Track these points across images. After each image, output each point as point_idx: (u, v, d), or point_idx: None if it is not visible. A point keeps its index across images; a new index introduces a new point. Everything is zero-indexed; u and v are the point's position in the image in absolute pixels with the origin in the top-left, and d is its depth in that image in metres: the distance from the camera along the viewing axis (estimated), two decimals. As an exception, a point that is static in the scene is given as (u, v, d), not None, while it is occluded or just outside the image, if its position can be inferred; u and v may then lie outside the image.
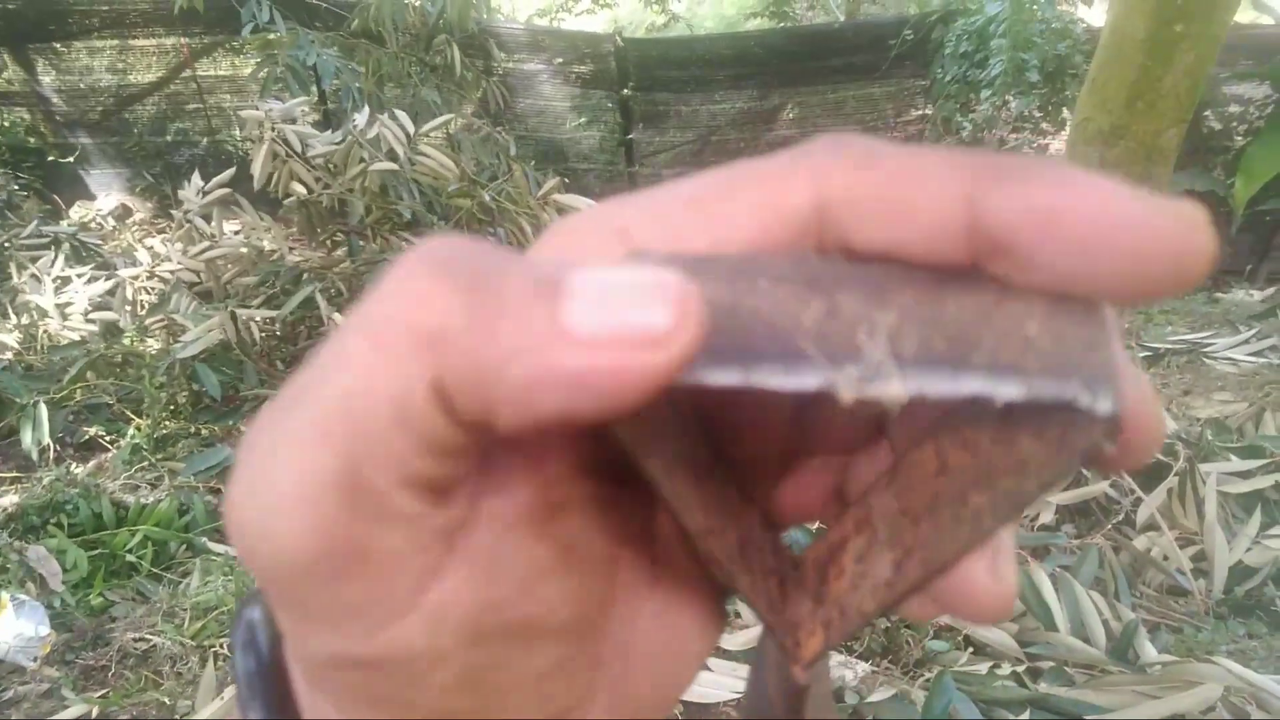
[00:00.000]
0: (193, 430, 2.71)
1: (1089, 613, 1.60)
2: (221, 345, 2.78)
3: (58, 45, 4.96)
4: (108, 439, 2.64)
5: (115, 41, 5.02)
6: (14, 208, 4.23)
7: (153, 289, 3.23)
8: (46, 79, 5.01)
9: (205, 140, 5.17)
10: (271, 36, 4.07)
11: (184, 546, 2.12)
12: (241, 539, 0.15)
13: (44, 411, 2.53)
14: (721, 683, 1.48)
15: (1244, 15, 6.04)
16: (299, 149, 2.95)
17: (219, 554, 2.07)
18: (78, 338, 3.05)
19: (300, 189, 3.01)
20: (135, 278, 3.20)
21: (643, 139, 6.08)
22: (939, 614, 0.19)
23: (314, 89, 3.99)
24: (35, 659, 1.75)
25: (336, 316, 2.73)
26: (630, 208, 0.17)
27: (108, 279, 3.25)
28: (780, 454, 0.23)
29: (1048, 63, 4.80)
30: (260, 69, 4.11)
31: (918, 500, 0.18)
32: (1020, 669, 1.52)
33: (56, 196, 4.68)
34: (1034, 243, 0.14)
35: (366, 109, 3.16)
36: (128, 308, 3.11)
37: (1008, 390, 0.14)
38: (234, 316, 2.75)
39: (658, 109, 6.05)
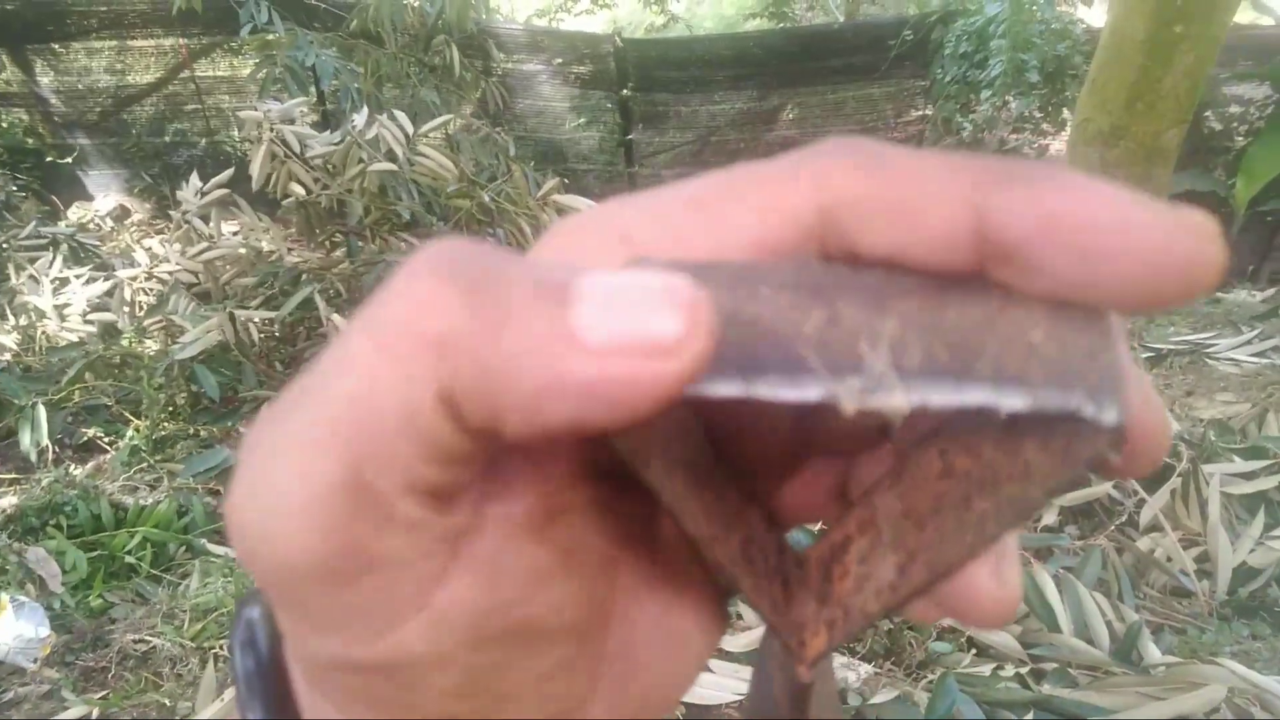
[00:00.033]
0: (191, 431, 2.70)
1: (1092, 614, 1.60)
2: (220, 346, 2.78)
3: (56, 46, 4.97)
4: (106, 440, 2.64)
5: (113, 42, 5.02)
6: (12, 208, 4.23)
7: (151, 290, 3.23)
8: (45, 80, 5.01)
9: (204, 141, 5.17)
10: (270, 37, 4.07)
11: (183, 548, 2.12)
12: (243, 542, 0.15)
13: (43, 413, 2.52)
14: (723, 684, 1.48)
15: (1244, 16, 6.04)
16: (298, 150, 2.95)
17: (218, 555, 2.07)
18: (76, 339, 3.04)
19: (299, 190, 3.01)
20: (133, 279, 3.20)
21: (642, 139, 6.09)
22: (942, 617, 0.19)
23: (312, 89, 3.99)
24: (35, 660, 1.75)
25: (335, 317, 2.73)
26: (631, 210, 0.17)
27: (106, 280, 3.24)
28: (783, 455, 0.23)
29: (1048, 63, 4.81)
30: (259, 70, 4.11)
31: (921, 503, 0.18)
32: (1023, 670, 1.52)
33: (55, 197, 4.68)
34: (1041, 249, 0.14)
35: (365, 109, 3.16)
36: (126, 309, 3.10)
37: (1012, 401, 0.14)
38: (232, 317, 2.75)
39: (657, 109, 6.05)
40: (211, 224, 3.13)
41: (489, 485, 0.17)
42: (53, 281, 3.23)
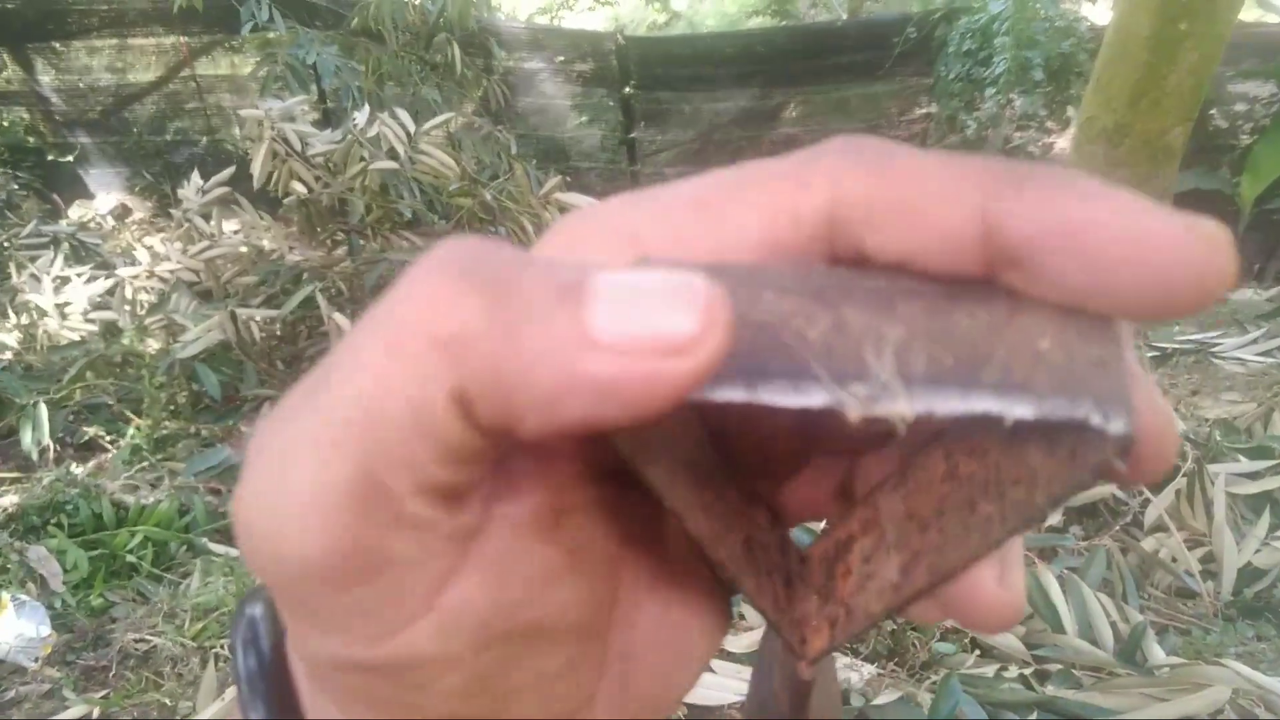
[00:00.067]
0: (193, 430, 2.71)
1: (1097, 615, 1.59)
2: (221, 345, 2.79)
3: (57, 44, 4.98)
4: (108, 439, 2.64)
5: (114, 41, 5.03)
6: (13, 207, 4.24)
7: (152, 289, 3.23)
8: (45, 78, 5.02)
9: (204, 139, 5.19)
10: (271, 35, 4.08)
11: (184, 547, 2.12)
12: (250, 541, 0.15)
13: (44, 411, 2.53)
14: (726, 685, 1.47)
15: (1249, 14, 6.03)
16: (299, 148, 2.95)
17: (219, 555, 2.07)
18: (77, 337, 3.05)
19: (300, 188, 3.01)
20: (135, 277, 3.20)
21: (644, 137, 6.09)
22: (945, 619, 0.19)
23: (314, 88, 4.00)
24: (36, 659, 1.75)
25: (337, 316, 2.72)
26: (636, 209, 0.17)
27: (107, 279, 3.24)
28: (785, 454, 0.23)
29: (1052, 61, 4.81)
30: (260, 68, 4.12)
31: (925, 505, 0.18)
32: (1027, 671, 1.51)
33: (56, 196, 4.69)
34: (1050, 255, 0.14)
35: (366, 108, 3.16)
36: (127, 307, 3.10)
37: (1018, 410, 0.14)
38: (234, 316, 2.76)
39: (659, 107, 6.05)
40: (213, 222, 3.13)
41: (497, 485, 0.16)
42: (54, 280, 3.22)
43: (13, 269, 3.28)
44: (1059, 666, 1.52)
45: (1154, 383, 0.16)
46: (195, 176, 3.16)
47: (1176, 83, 2.96)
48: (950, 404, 0.14)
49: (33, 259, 3.37)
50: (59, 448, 2.56)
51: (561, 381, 0.13)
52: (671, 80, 5.96)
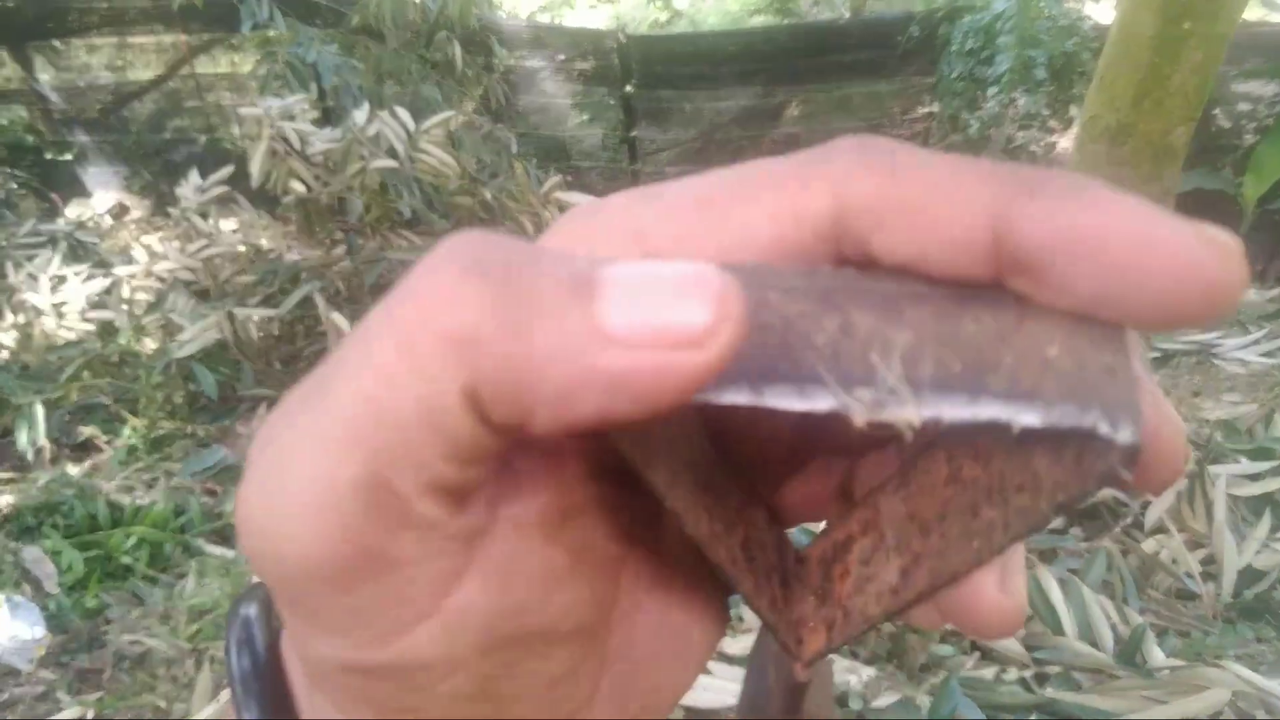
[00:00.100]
0: (189, 431, 2.71)
1: (1096, 617, 1.60)
2: (218, 344, 2.80)
3: (56, 42, 4.99)
4: (104, 439, 2.64)
5: (113, 39, 5.04)
6: (11, 206, 4.25)
7: (149, 288, 3.24)
8: (44, 76, 5.03)
9: (203, 138, 5.20)
10: (271, 33, 4.08)
11: (180, 548, 2.12)
12: (254, 542, 0.15)
13: (40, 411, 2.54)
14: (725, 688, 1.47)
15: (1253, 13, 6.02)
16: (298, 146, 2.95)
17: (215, 556, 2.07)
18: (74, 337, 3.05)
19: (299, 187, 3.00)
20: (132, 276, 3.21)
21: (646, 136, 6.09)
22: (945, 624, 0.19)
23: (313, 86, 4.00)
24: (30, 661, 1.75)
25: (335, 316, 2.72)
26: (640, 206, 0.17)
27: (104, 278, 3.25)
28: (786, 453, 0.23)
29: (1055, 60, 4.80)
30: (259, 66, 4.13)
31: (927, 508, 0.18)
32: (1027, 673, 1.51)
33: (54, 194, 4.69)
34: (1061, 263, 0.14)
35: (366, 106, 3.16)
36: (124, 307, 3.11)
37: (1026, 417, 0.14)
38: (231, 316, 2.76)
39: (661, 106, 6.05)
40: (211, 221, 3.14)
41: (502, 485, 0.16)
42: (51, 279, 3.23)
43: (10, 268, 3.27)
44: (1058, 668, 1.52)
45: (1157, 385, 0.16)
46: (194, 175, 3.16)
47: (1180, 82, 2.96)
48: (957, 410, 0.14)
49: (30, 258, 3.37)
50: (55, 448, 2.57)
51: (574, 376, 0.13)
52: (673, 78, 5.96)
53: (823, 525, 0.22)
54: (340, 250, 3.42)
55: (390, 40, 4.48)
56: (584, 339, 0.13)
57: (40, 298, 3.12)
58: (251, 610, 0.20)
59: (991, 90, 5.02)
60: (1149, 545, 1.87)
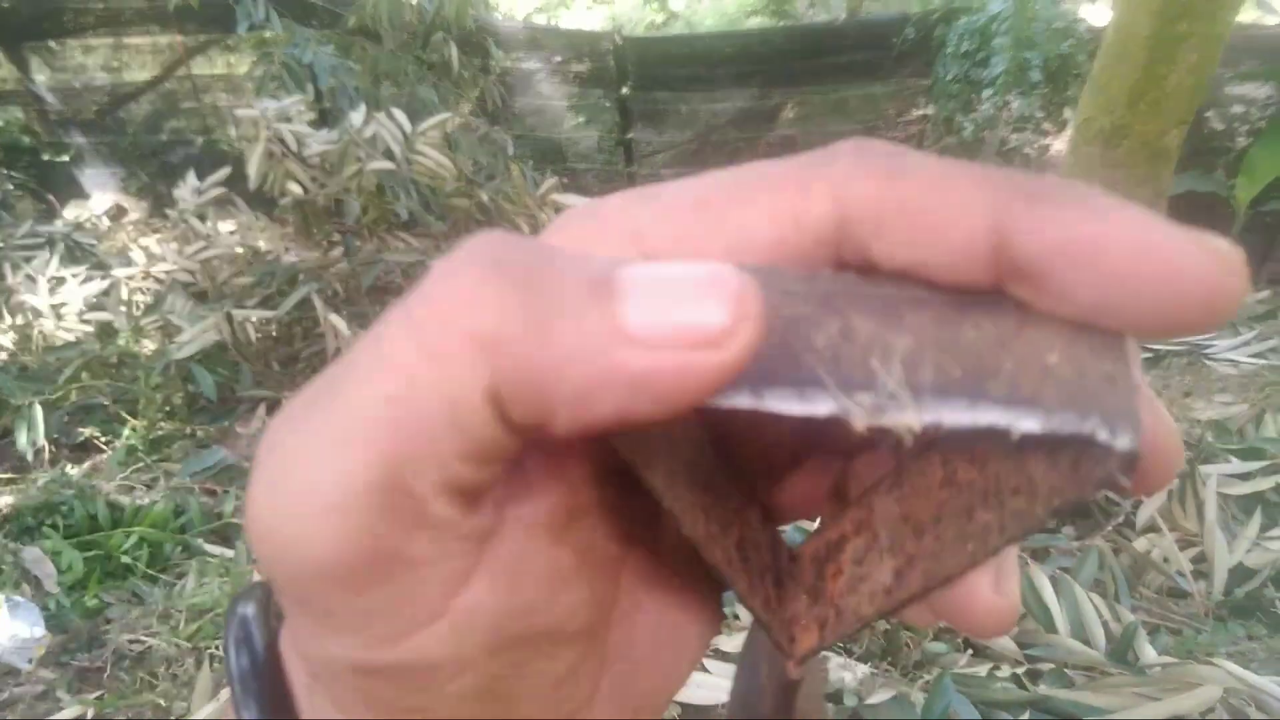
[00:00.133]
0: (188, 431, 2.71)
1: (1089, 614, 1.60)
2: (217, 346, 2.79)
3: (52, 43, 4.96)
4: (103, 440, 2.64)
5: (110, 39, 5.01)
6: (8, 207, 4.23)
7: (148, 289, 3.24)
8: (40, 77, 5.00)
9: (200, 139, 5.17)
10: (267, 35, 4.07)
11: (179, 548, 2.12)
12: (265, 543, 0.14)
13: (39, 412, 2.53)
14: (719, 685, 1.47)
15: (1247, 15, 6.04)
16: (295, 148, 2.94)
17: (215, 555, 2.07)
18: (73, 338, 3.04)
19: (296, 188, 3.00)
20: (130, 278, 3.20)
21: (642, 138, 6.08)
22: (938, 622, 0.19)
23: (310, 87, 3.99)
24: (30, 661, 1.75)
25: (333, 317, 2.72)
26: (638, 207, 0.17)
27: (103, 279, 3.24)
28: (782, 452, 0.23)
29: (1050, 62, 4.80)
30: (256, 67, 4.12)
31: (922, 510, 0.18)
32: (1020, 671, 1.51)
33: (51, 196, 4.67)
34: (1061, 271, 0.14)
35: (363, 107, 3.16)
36: (123, 308, 3.10)
37: (1026, 423, 0.14)
38: (229, 317, 2.76)
39: (657, 108, 6.04)
40: (208, 223, 3.13)
41: (510, 486, 0.16)
42: (49, 280, 3.22)
43: (8, 269, 3.27)
44: (1051, 666, 1.52)
45: (1149, 387, 0.16)
46: (191, 177, 3.15)
47: (1175, 84, 2.96)
48: (957, 415, 0.14)
49: (28, 259, 3.36)
50: (54, 448, 2.57)
51: (596, 376, 0.13)
52: (669, 80, 5.95)
53: (816, 523, 0.23)
54: (338, 252, 3.42)
55: (387, 41, 4.47)
56: (605, 339, 0.13)
57: (39, 299, 3.12)
58: (249, 610, 0.20)
59: (986, 92, 5.01)
60: (1141, 544, 1.87)
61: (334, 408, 0.14)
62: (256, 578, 1.93)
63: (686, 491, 0.18)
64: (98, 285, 3.22)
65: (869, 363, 0.14)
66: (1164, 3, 2.88)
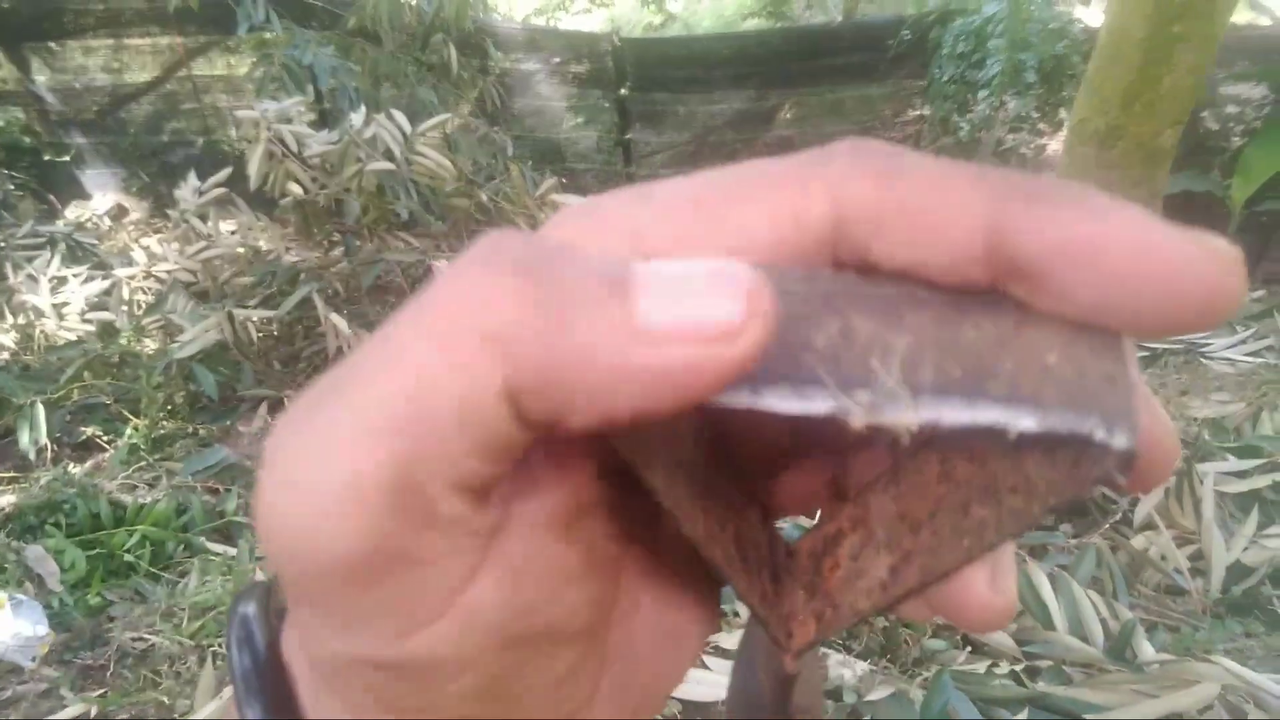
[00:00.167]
0: (190, 430, 2.71)
1: (1087, 612, 1.60)
2: (218, 345, 2.79)
3: (52, 44, 4.94)
4: (105, 439, 2.64)
5: (110, 40, 4.99)
6: (9, 207, 4.21)
7: (149, 289, 3.23)
8: (41, 78, 4.98)
9: (201, 140, 5.15)
10: (267, 36, 4.07)
11: (182, 546, 2.12)
12: (275, 540, 0.14)
13: (41, 411, 2.53)
14: (719, 681, 1.48)
15: (1241, 16, 6.05)
16: (295, 149, 2.95)
17: (217, 554, 2.07)
18: (74, 338, 3.04)
19: (296, 189, 3.01)
20: (131, 278, 3.20)
21: (640, 139, 6.07)
22: (934, 617, 0.19)
23: (310, 88, 3.99)
24: (33, 659, 1.74)
25: (334, 317, 2.73)
26: (637, 206, 0.17)
27: (104, 279, 3.24)
28: (780, 448, 0.23)
29: (1045, 63, 4.80)
30: (256, 68, 4.11)
31: (918, 506, 0.18)
32: (1018, 668, 1.51)
33: (52, 196, 4.66)
34: (1064, 272, 0.14)
35: (363, 108, 3.16)
36: (124, 308, 3.10)
37: (1024, 422, 0.14)
38: (231, 317, 2.76)
39: (655, 109, 6.03)
40: (209, 223, 3.13)
41: (517, 484, 0.16)
42: (51, 280, 3.22)
43: (9, 269, 3.27)
44: (1049, 663, 1.52)
45: (1146, 385, 0.16)
46: (192, 177, 3.15)
47: (1170, 85, 2.96)
48: (956, 414, 0.14)
49: (29, 259, 3.36)
50: (56, 447, 2.56)
51: (614, 372, 0.13)
52: (667, 82, 5.94)
53: (816, 517, 0.23)
54: (338, 252, 3.43)
55: (386, 43, 4.46)
56: (622, 335, 0.13)
57: (40, 299, 3.12)
58: (250, 609, 0.20)
59: (982, 93, 5.02)
60: (1138, 541, 1.87)
61: (346, 405, 0.14)
62: (259, 576, 1.93)
63: (685, 491, 0.18)
64: (99, 285, 3.22)
65: (868, 362, 0.14)
66: (1158, 4, 2.87)
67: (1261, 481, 1.97)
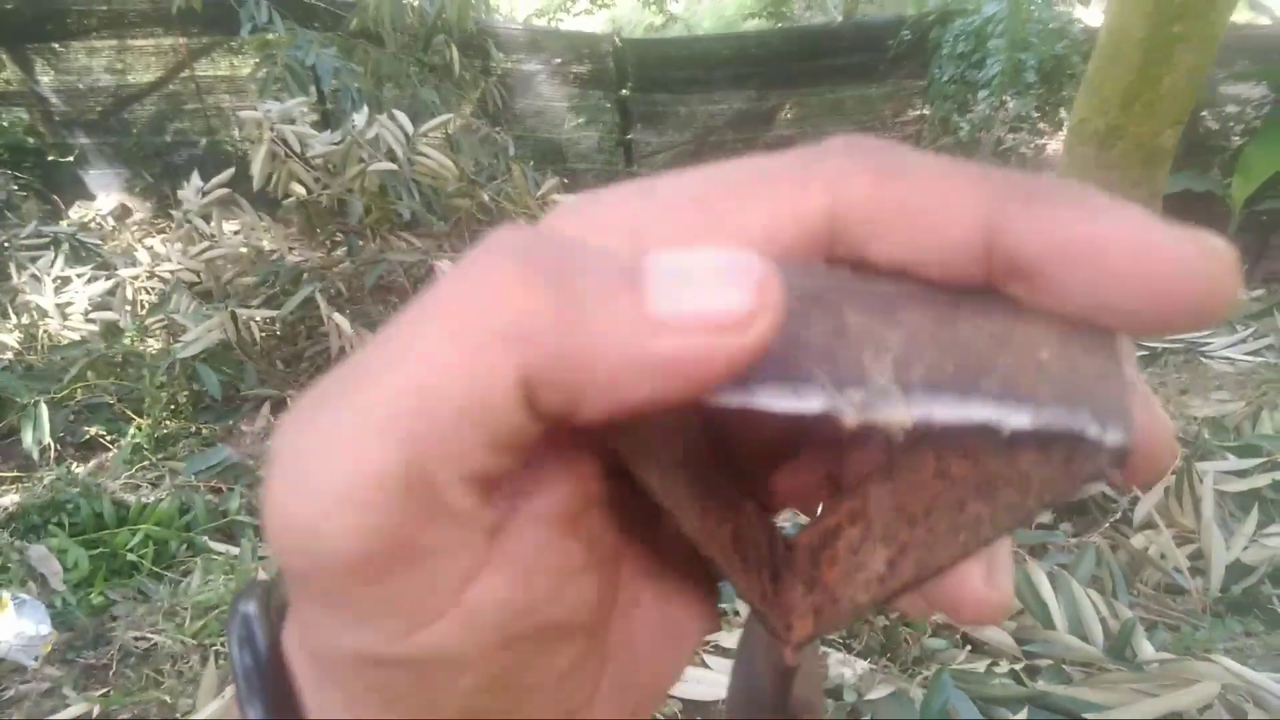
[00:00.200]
0: (193, 430, 2.71)
1: (1087, 611, 1.59)
2: (221, 345, 2.79)
3: (56, 45, 4.94)
4: (108, 438, 2.64)
5: (113, 41, 4.99)
6: (13, 208, 4.21)
7: (153, 289, 3.23)
8: (45, 79, 4.99)
9: (204, 140, 5.15)
10: (270, 36, 4.07)
11: (185, 546, 2.12)
12: (285, 535, 0.14)
13: (44, 411, 2.53)
14: (719, 680, 1.48)
15: (1241, 15, 6.05)
16: (298, 149, 2.95)
17: (220, 553, 2.07)
18: (78, 337, 3.04)
19: (299, 189, 3.01)
20: (135, 278, 3.20)
21: (641, 139, 6.08)
22: (932, 612, 0.19)
23: (313, 89, 4.00)
24: (36, 658, 1.74)
25: (336, 317, 2.73)
26: (636, 203, 0.16)
27: (108, 279, 3.25)
28: (777, 443, 0.23)
29: (1045, 63, 4.80)
30: (259, 69, 4.11)
31: (914, 501, 0.18)
32: (1018, 667, 1.51)
33: (56, 196, 4.66)
34: (1062, 271, 0.14)
35: (365, 109, 3.17)
36: (128, 308, 3.10)
37: (1017, 419, 0.14)
38: (234, 316, 2.76)
39: (656, 109, 6.04)
40: (213, 223, 3.13)
41: (523, 480, 0.16)
42: (54, 280, 3.23)
43: (13, 269, 3.27)
44: (1049, 662, 1.52)
45: (1145, 383, 0.16)
46: (195, 177, 3.16)
47: (1170, 85, 2.95)
48: (949, 411, 0.14)
49: (33, 259, 3.36)
50: (60, 447, 2.56)
51: (628, 362, 0.13)
52: (668, 82, 5.94)
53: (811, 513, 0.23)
54: (341, 252, 3.44)
55: (389, 44, 4.46)
56: (636, 326, 0.13)
57: (44, 299, 3.12)
58: (251, 607, 0.19)
59: (982, 93, 5.02)
60: (1138, 540, 1.87)
61: (354, 400, 0.14)
62: (262, 575, 1.94)
63: (682, 488, 0.18)
64: (103, 285, 3.22)
65: (861, 359, 0.14)
66: (1158, 4, 2.87)
67: (1261, 480, 1.97)
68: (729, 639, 1.57)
